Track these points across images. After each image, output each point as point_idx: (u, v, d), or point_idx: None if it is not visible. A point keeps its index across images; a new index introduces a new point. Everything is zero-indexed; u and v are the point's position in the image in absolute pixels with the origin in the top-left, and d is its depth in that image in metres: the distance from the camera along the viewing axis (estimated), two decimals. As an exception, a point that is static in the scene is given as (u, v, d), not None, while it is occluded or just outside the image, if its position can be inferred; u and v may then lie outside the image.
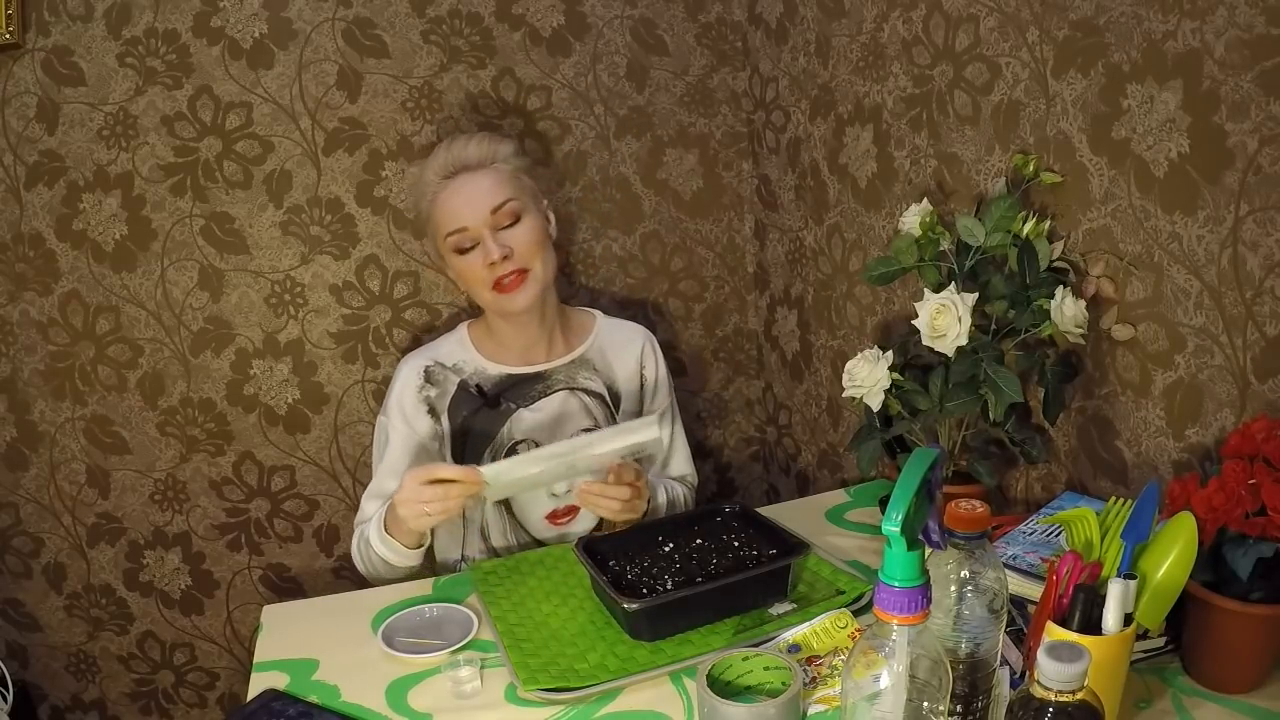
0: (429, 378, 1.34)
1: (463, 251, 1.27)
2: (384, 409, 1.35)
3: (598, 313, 1.45)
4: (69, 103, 1.42)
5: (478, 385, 1.34)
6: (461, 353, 1.36)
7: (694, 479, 1.48)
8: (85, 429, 1.56)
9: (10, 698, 1.53)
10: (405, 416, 1.32)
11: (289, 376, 1.60)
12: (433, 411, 1.33)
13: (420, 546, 1.21)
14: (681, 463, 1.46)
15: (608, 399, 1.39)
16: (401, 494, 1.09)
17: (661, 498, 1.33)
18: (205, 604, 1.68)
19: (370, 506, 1.30)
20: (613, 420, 1.39)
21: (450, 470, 1.07)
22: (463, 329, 1.40)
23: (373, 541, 1.20)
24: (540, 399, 1.35)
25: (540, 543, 1.34)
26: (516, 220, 1.27)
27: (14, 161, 1.43)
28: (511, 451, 1.33)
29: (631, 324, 1.46)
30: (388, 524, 1.18)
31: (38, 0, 1.38)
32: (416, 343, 1.62)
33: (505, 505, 1.33)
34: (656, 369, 1.43)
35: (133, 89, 1.44)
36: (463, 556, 1.37)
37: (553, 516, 1.33)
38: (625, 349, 1.41)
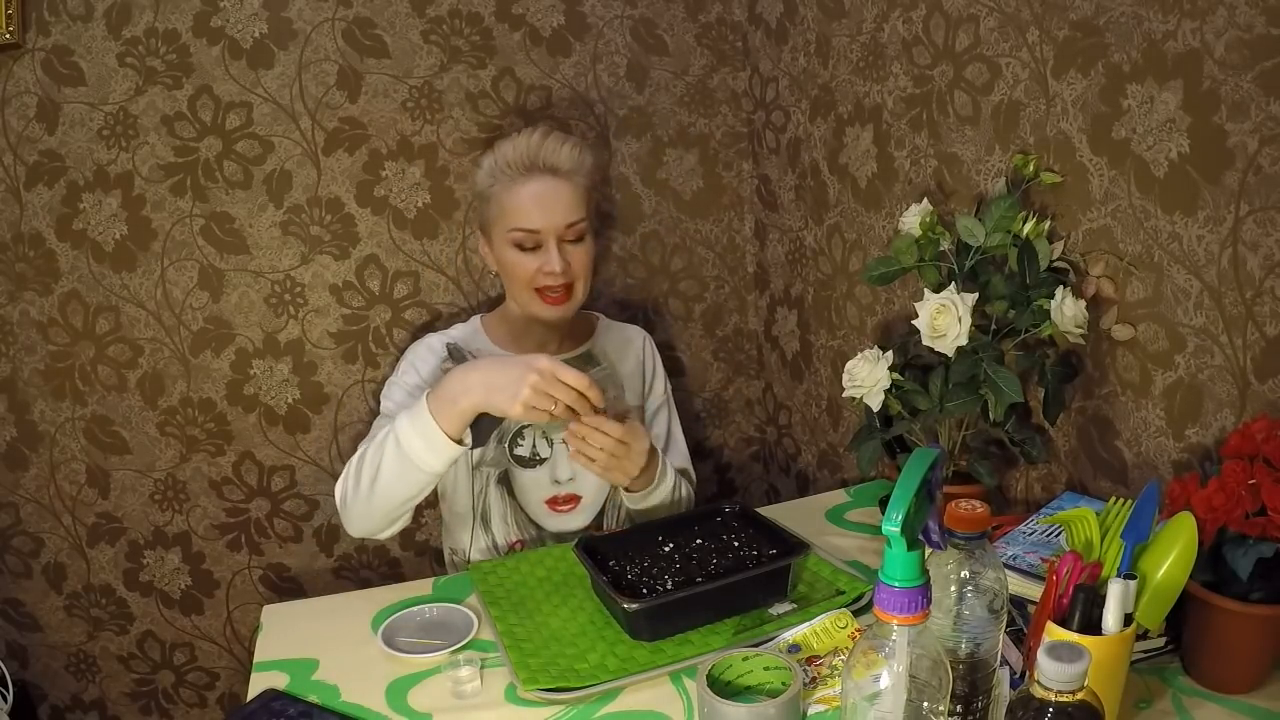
0: (451, 354, 1.34)
1: (522, 249, 1.27)
2: (396, 378, 1.33)
3: (599, 315, 1.48)
4: (69, 103, 1.42)
5: None
6: (476, 340, 1.38)
7: (692, 475, 1.48)
8: (85, 429, 1.56)
9: (10, 698, 1.53)
10: (423, 385, 1.29)
11: (289, 376, 1.60)
12: None
13: (459, 445, 1.09)
14: (678, 458, 1.46)
15: None
16: (538, 370, 1.04)
17: (666, 490, 1.29)
18: (205, 604, 1.68)
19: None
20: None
21: (573, 377, 1.06)
22: (476, 320, 1.42)
23: (401, 432, 1.09)
24: None
25: (539, 527, 1.35)
26: (580, 239, 1.28)
27: (14, 161, 1.43)
28: (518, 435, 1.33)
29: (630, 325, 1.50)
30: (433, 407, 1.08)
31: (38, 0, 1.38)
32: (417, 343, 1.63)
33: (507, 488, 1.34)
34: (655, 364, 1.48)
35: (133, 89, 1.44)
36: (470, 546, 1.36)
37: (553, 503, 1.34)
38: (627, 347, 1.45)
